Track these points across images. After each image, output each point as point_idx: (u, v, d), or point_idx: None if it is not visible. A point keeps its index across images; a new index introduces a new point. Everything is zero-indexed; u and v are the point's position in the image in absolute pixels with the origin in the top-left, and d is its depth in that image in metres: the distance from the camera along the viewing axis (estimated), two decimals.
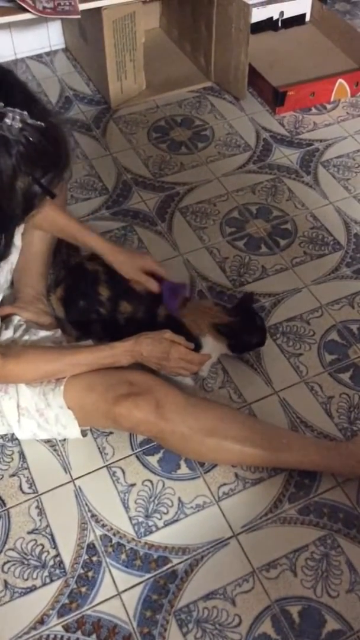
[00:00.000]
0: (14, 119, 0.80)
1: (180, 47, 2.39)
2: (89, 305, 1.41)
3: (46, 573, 1.19)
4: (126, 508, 1.27)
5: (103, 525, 1.25)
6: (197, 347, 1.36)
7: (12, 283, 1.40)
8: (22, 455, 1.34)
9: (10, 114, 0.80)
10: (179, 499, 1.28)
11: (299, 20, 2.46)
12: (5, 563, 1.20)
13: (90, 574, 1.19)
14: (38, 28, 2.32)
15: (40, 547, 1.22)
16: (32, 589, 1.18)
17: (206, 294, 1.62)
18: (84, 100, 2.20)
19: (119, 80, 2.12)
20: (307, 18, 2.47)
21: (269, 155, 2.01)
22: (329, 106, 2.19)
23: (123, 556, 1.21)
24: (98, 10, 1.93)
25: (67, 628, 1.13)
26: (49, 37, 2.36)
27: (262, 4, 2.36)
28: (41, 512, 1.26)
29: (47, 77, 2.27)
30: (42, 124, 0.83)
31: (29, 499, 1.28)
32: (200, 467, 1.32)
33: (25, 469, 1.32)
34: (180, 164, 1.98)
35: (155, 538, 1.23)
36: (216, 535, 1.23)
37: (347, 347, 1.52)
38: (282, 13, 2.41)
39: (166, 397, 1.21)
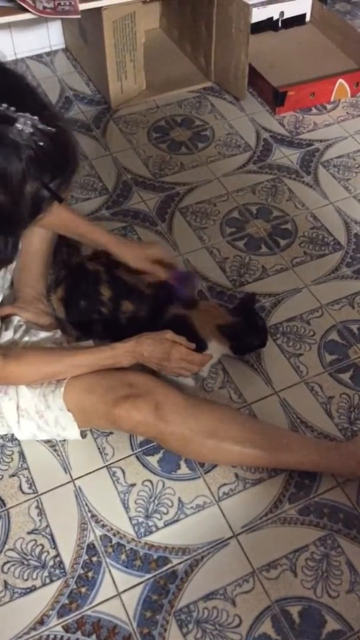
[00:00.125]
0: (25, 123, 0.80)
1: (180, 47, 2.39)
2: (90, 305, 1.41)
3: (46, 573, 1.19)
4: (126, 508, 1.27)
5: (103, 526, 1.25)
6: (202, 348, 1.36)
7: (11, 283, 1.40)
8: (22, 455, 1.34)
9: (22, 119, 0.80)
10: (179, 499, 1.28)
11: (299, 20, 2.46)
12: (5, 563, 1.20)
13: (90, 574, 1.19)
14: (38, 28, 2.32)
15: (40, 548, 1.22)
16: (32, 589, 1.18)
17: (206, 294, 1.62)
18: (84, 101, 2.20)
19: (119, 81, 2.12)
20: (307, 18, 2.47)
21: (269, 156, 2.01)
22: (329, 106, 2.18)
23: (123, 556, 1.21)
24: (98, 10, 1.93)
25: (67, 628, 1.13)
26: (49, 37, 2.36)
27: (262, 4, 2.36)
28: (41, 512, 1.26)
29: (47, 77, 2.27)
30: (52, 129, 0.83)
31: (28, 499, 1.28)
32: (201, 468, 1.32)
33: (25, 469, 1.32)
34: (181, 164, 1.98)
35: (155, 538, 1.23)
36: (216, 536, 1.23)
37: (347, 347, 1.52)
38: (282, 13, 2.41)
39: (166, 399, 1.21)
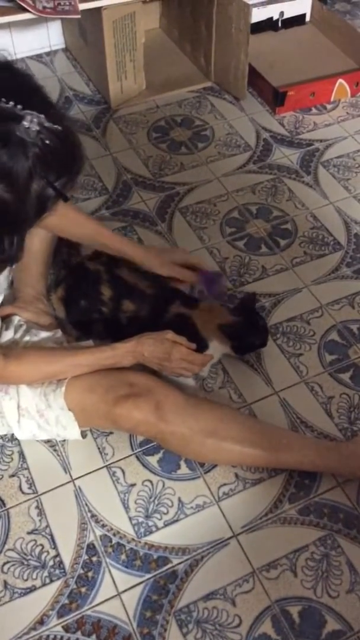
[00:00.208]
0: (32, 121, 0.81)
1: (180, 47, 2.39)
2: (91, 305, 1.41)
3: (46, 573, 1.19)
4: (126, 508, 1.27)
5: (103, 526, 1.24)
6: (203, 348, 1.36)
7: (11, 283, 1.40)
8: (21, 455, 1.34)
9: (29, 117, 0.81)
10: (179, 499, 1.28)
11: (299, 20, 2.46)
12: (5, 563, 1.20)
13: (90, 574, 1.19)
14: (38, 28, 2.32)
15: (40, 548, 1.22)
16: (32, 589, 1.18)
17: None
18: (84, 100, 2.20)
19: (119, 80, 2.12)
20: (307, 18, 2.47)
21: (269, 156, 2.01)
22: (329, 106, 2.18)
23: (123, 556, 1.21)
24: (98, 10, 1.93)
25: (67, 628, 1.13)
26: (49, 37, 2.36)
27: (262, 4, 2.36)
28: (41, 512, 1.26)
29: (47, 77, 2.27)
30: (59, 127, 0.83)
31: (28, 499, 1.28)
32: (200, 468, 1.32)
33: (25, 469, 1.32)
34: (180, 164, 1.98)
35: (155, 538, 1.23)
36: (216, 536, 1.23)
37: (347, 347, 1.52)
38: (282, 13, 2.41)
39: (166, 398, 1.21)
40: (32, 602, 1.16)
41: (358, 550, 1.21)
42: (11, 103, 0.81)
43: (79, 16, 1.86)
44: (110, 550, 1.22)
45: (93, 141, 2.05)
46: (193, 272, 1.42)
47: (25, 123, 0.80)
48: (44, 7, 1.83)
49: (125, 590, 1.17)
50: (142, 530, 1.24)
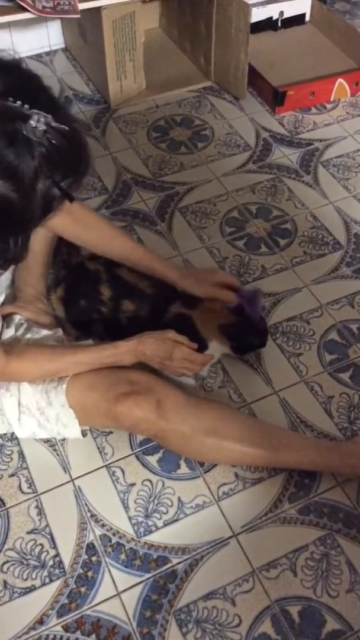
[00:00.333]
0: (39, 121, 0.81)
1: (180, 46, 2.38)
2: (90, 304, 1.41)
3: (45, 573, 1.19)
4: (126, 508, 1.27)
5: (102, 525, 1.24)
6: (203, 348, 1.36)
7: (12, 282, 1.40)
8: (21, 455, 1.34)
9: (36, 116, 0.81)
10: (179, 499, 1.28)
11: (298, 20, 2.46)
12: (4, 563, 1.20)
13: (89, 573, 1.19)
14: (37, 28, 2.32)
15: (40, 547, 1.22)
16: (32, 589, 1.17)
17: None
18: (84, 100, 2.20)
19: (118, 80, 2.12)
20: (307, 18, 2.47)
21: (269, 155, 2.01)
22: (328, 106, 2.18)
23: (122, 556, 1.21)
24: (97, 9, 1.93)
25: (66, 628, 1.13)
26: (49, 36, 2.36)
27: (261, 4, 2.36)
28: (40, 512, 1.26)
29: (46, 76, 2.25)
30: (66, 127, 0.83)
31: (28, 499, 1.28)
32: (200, 467, 1.32)
33: (25, 468, 1.32)
34: (180, 163, 1.98)
35: (154, 538, 1.23)
36: (216, 535, 1.23)
37: (347, 347, 1.52)
38: (281, 13, 2.41)
39: (167, 397, 1.21)
40: (32, 601, 1.16)
41: (358, 550, 1.21)
42: (18, 102, 0.81)
43: (78, 16, 1.86)
44: (109, 549, 1.22)
45: (93, 141, 2.05)
46: (232, 291, 1.41)
47: (32, 122, 0.80)
48: (44, 7, 1.83)
49: (124, 590, 1.17)
50: (141, 529, 1.24)
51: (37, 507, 1.27)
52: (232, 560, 1.20)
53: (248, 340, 1.43)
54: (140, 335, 1.25)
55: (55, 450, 1.34)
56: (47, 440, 1.35)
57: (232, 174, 1.95)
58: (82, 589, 1.17)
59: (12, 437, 1.36)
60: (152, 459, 1.33)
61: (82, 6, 1.86)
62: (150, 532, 1.24)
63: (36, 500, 1.28)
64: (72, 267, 1.47)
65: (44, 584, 1.18)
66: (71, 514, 1.26)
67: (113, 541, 1.23)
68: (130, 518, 1.25)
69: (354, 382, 1.46)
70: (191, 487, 1.29)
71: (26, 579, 1.18)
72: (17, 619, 1.14)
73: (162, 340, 1.25)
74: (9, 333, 1.29)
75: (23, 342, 1.28)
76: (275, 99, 2.12)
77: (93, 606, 1.15)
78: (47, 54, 2.38)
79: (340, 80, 2.17)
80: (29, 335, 1.29)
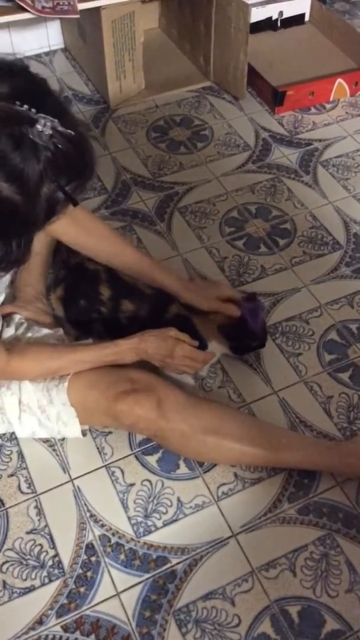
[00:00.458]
0: (45, 125, 0.81)
1: (179, 46, 2.39)
2: (90, 304, 1.41)
3: (45, 573, 1.19)
4: (125, 508, 1.27)
5: (102, 525, 1.24)
6: (203, 348, 1.36)
7: (11, 282, 1.40)
8: (20, 455, 1.34)
9: (42, 120, 0.81)
10: (178, 499, 1.28)
11: (298, 20, 2.46)
12: (3, 563, 1.20)
13: (89, 574, 1.19)
14: (37, 28, 2.32)
15: (39, 547, 1.22)
16: (31, 589, 1.17)
17: None
18: (83, 100, 2.20)
19: (118, 80, 2.12)
20: (307, 18, 2.47)
21: (268, 155, 2.01)
22: (328, 106, 2.18)
23: (122, 556, 1.21)
24: (97, 9, 1.93)
25: (65, 628, 1.13)
26: (48, 36, 2.36)
27: (261, 4, 2.36)
28: (40, 512, 1.26)
29: (46, 77, 2.25)
30: (72, 132, 0.83)
31: (27, 499, 1.28)
32: (200, 467, 1.32)
33: (24, 468, 1.32)
34: (180, 163, 1.98)
35: (154, 538, 1.23)
36: (215, 535, 1.23)
37: (347, 347, 1.52)
38: (281, 13, 2.41)
39: (167, 396, 1.21)
40: (31, 602, 1.16)
41: (357, 550, 1.21)
42: (25, 106, 0.81)
43: (77, 16, 1.86)
44: (109, 550, 1.22)
45: (92, 141, 2.04)
46: (235, 305, 1.41)
47: (39, 126, 0.81)
48: (43, 7, 1.83)
49: (124, 590, 1.17)
50: (141, 530, 1.24)
51: (36, 507, 1.27)
52: (232, 560, 1.20)
53: (247, 341, 1.43)
54: (142, 333, 1.25)
55: (54, 450, 1.34)
56: (46, 441, 1.35)
57: (232, 174, 1.95)
58: (82, 589, 1.17)
59: (12, 437, 1.36)
60: (152, 459, 1.33)
61: (81, 6, 1.86)
62: (150, 532, 1.24)
63: (35, 500, 1.28)
64: (72, 267, 1.47)
65: (43, 584, 1.18)
66: (70, 514, 1.26)
67: (112, 541, 1.22)
68: (129, 518, 1.25)
69: (354, 382, 1.46)
70: (190, 487, 1.29)
71: (25, 579, 1.18)
72: (17, 619, 1.14)
73: (164, 338, 1.25)
74: (9, 332, 1.29)
75: (24, 341, 1.28)
76: (274, 99, 2.12)
77: (92, 606, 1.15)
78: (47, 54, 2.38)
79: (339, 80, 2.17)
80: (29, 334, 1.30)
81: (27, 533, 1.24)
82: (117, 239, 1.40)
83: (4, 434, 1.36)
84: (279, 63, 2.26)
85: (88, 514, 1.26)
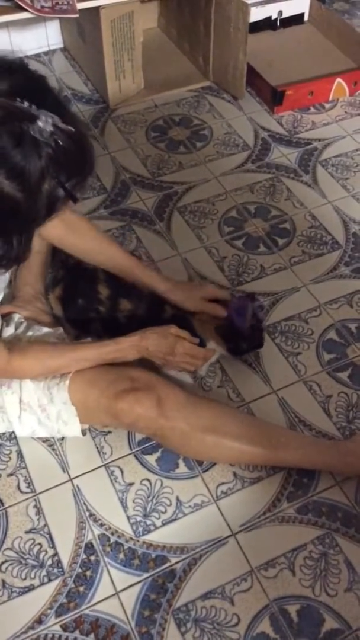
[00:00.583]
0: (46, 122, 0.81)
1: (178, 46, 2.39)
2: (88, 304, 1.41)
3: (44, 572, 1.19)
4: (124, 507, 1.27)
5: (101, 525, 1.24)
6: (202, 345, 1.36)
7: (10, 282, 1.40)
8: (20, 454, 1.34)
9: (43, 117, 0.81)
10: (177, 498, 1.28)
11: (297, 19, 2.46)
12: (3, 562, 1.20)
13: (88, 573, 1.19)
14: (36, 27, 2.32)
15: (38, 547, 1.22)
16: (30, 588, 1.17)
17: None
18: (82, 100, 2.20)
19: (117, 80, 2.12)
20: (306, 17, 2.47)
21: (268, 155, 2.01)
22: (327, 105, 2.19)
23: (121, 555, 1.21)
24: (96, 9, 1.93)
25: (65, 627, 1.13)
26: (47, 36, 2.36)
27: (260, 4, 2.36)
28: (39, 511, 1.26)
29: (45, 76, 2.26)
30: (72, 128, 0.83)
31: (27, 498, 1.28)
32: (199, 466, 1.32)
33: (23, 468, 1.32)
34: (179, 163, 1.98)
35: (153, 537, 1.23)
36: (214, 535, 1.23)
37: (346, 346, 1.52)
38: (280, 12, 2.41)
39: (167, 395, 1.22)
40: (31, 601, 1.16)
41: (356, 549, 1.21)
42: (26, 103, 0.81)
43: (77, 15, 1.86)
44: (108, 549, 1.22)
45: (91, 140, 2.04)
46: (222, 305, 1.41)
47: (40, 123, 0.81)
48: (42, 7, 1.83)
49: (123, 590, 1.17)
50: (140, 529, 1.24)
51: (35, 506, 1.27)
52: (231, 560, 1.20)
53: (238, 344, 1.42)
54: (143, 330, 1.25)
55: (54, 449, 1.34)
56: (45, 440, 1.35)
57: (231, 174, 1.95)
58: (81, 589, 1.17)
59: (11, 437, 1.36)
60: (151, 459, 1.33)
61: (80, 6, 1.86)
62: (149, 531, 1.24)
63: (35, 499, 1.28)
64: (70, 267, 1.47)
65: (42, 584, 1.18)
66: (70, 513, 1.26)
67: (112, 540, 1.23)
68: (128, 517, 1.25)
69: (353, 381, 1.46)
70: (190, 486, 1.29)
71: (25, 579, 1.18)
72: (16, 618, 1.14)
73: (165, 335, 1.26)
74: (8, 331, 1.29)
75: (24, 339, 1.28)
76: (274, 98, 2.12)
77: (92, 605, 1.15)
78: (46, 53, 2.38)
79: (338, 79, 2.17)
80: (30, 333, 1.30)
81: (27, 532, 1.24)
82: (104, 239, 1.40)
83: (4, 434, 1.36)
84: (278, 63, 2.26)
85: (87, 514, 1.26)
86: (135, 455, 1.34)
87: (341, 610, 1.14)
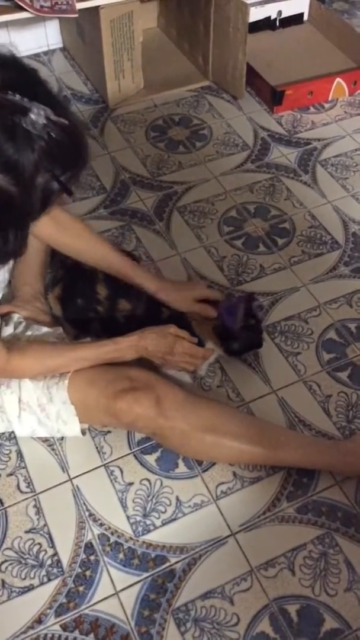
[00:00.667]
0: (39, 114, 0.80)
1: (178, 46, 2.38)
2: (87, 303, 1.41)
3: (44, 572, 1.19)
4: (124, 507, 1.27)
5: (101, 524, 1.24)
6: (201, 344, 1.36)
7: (9, 282, 1.40)
8: (19, 454, 1.34)
9: (35, 109, 0.80)
10: (177, 498, 1.28)
11: (296, 19, 2.46)
12: (2, 562, 1.20)
13: (88, 573, 1.19)
14: (36, 27, 2.32)
15: (38, 547, 1.22)
16: (30, 588, 1.17)
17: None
18: (82, 100, 2.20)
19: (116, 80, 2.12)
20: (305, 17, 2.47)
21: (267, 155, 2.01)
22: (326, 105, 2.19)
23: (121, 555, 1.21)
24: (96, 9, 1.93)
25: (64, 627, 1.13)
26: (47, 36, 2.36)
27: (260, 3, 2.36)
28: (39, 511, 1.26)
29: (45, 76, 2.25)
30: (65, 121, 0.83)
31: (26, 498, 1.28)
32: (198, 466, 1.32)
33: (23, 468, 1.32)
34: (178, 163, 1.98)
35: (153, 537, 1.23)
36: (214, 534, 1.23)
37: (345, 346, 1.52)
38: (280, 12, 2.41)
39: (166, 395, 1.22)
40: (30, 601, 1.16)
41: (356, 549, 1.21)
42: (18, 96, 0.80)
43: (76, 15, 1.86)
44: (108, 549, 1.22)
45: (91, 140, 2.04)
46: (213, 306, 1.41)
47: (32, 116, 0.80)
48: (42, 6, 1.83)
49: (123, 589, 1.17)
50: (140, 529, 1.24)
51: (35, 506, 1.27)
52: (231, 559, 1.20)
53: (229, 344, 1.42)
54: (142, 330, 1.25)
55: (53, 449, 1.34)
56: (45, 440, 1.35)
57: (231, 174, 1.95)
58: (81, 588, 1.17)
59: (11, 437, 1.36)
60: (150, 458, 1.33)
61: (80, 5, 1.86)
62: (149, 531, 1.24)
63: (34, 499, 1.28)
64: (69, 267, 1.47)
65: (42, 583, 1.18)
66: (69, 513, 1.26)
67: (111, 540, 1.23)
68: (128, 517, 1.25)
69: (352, 381, 1.46)
70: (189, 486, 1.29)
71: (24, 579, 1.18)
72: (16, 618, 1.14)
73: (164, 335, 1.26)
74: (8, 331, 1.29)
75: (24, 339, 1.28)
76: (273, 98, 2.12)
77: (91, 605, 1.15)
78: (45, 53, 2.38)
79: (338, 79, 2.17)
80: (29, 333, 1.30)
81: (26, 532, 1.24)
82: (97, 239, 1.40)
83: (3, 433, 1.36)
84: (277, 62, 2.26)
85: (87, 513, 1.26)
86: (134, 455, 1.34)
87: (341, 610, 1.14)
